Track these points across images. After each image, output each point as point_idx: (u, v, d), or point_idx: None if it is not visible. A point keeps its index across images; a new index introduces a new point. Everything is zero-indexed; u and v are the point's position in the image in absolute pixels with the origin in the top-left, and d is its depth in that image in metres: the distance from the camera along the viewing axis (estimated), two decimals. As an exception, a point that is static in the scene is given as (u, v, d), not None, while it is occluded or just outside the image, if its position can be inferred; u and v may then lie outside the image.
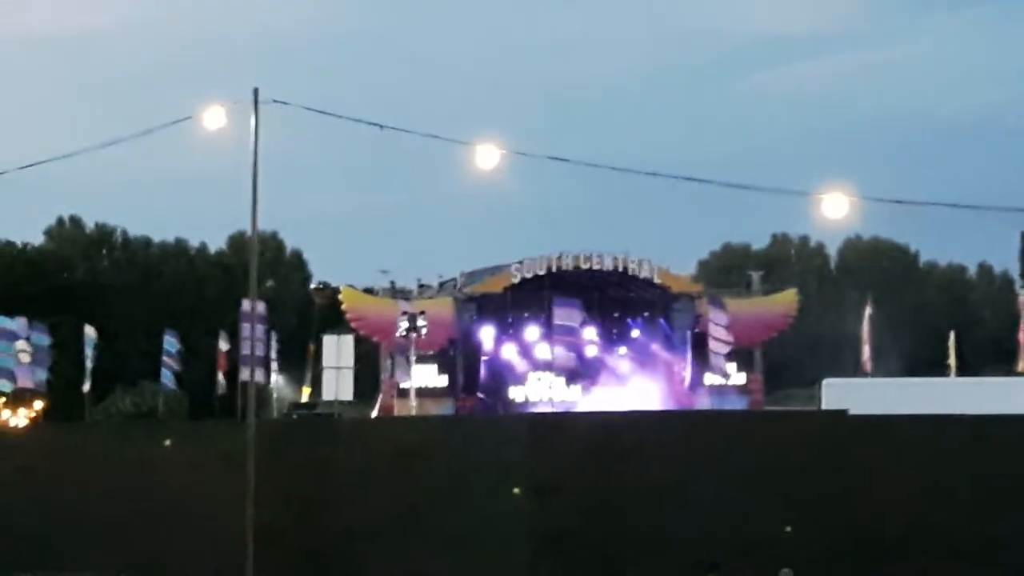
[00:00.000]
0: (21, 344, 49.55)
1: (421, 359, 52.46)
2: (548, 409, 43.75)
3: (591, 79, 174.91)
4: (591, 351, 56.21)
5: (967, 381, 49.73)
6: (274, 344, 55.75)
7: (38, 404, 59.58)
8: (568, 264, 57.59)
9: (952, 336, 55.69)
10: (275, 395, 60.85)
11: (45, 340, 51.54)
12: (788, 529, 27.13)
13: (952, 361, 55.03)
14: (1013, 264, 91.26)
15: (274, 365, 56.01)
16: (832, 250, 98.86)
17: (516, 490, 23.93)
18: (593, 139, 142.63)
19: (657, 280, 57.53)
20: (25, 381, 50.05)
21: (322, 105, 34.34)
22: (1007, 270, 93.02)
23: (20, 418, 54.50)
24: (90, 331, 55.53)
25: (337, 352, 51.07)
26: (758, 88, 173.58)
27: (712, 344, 50.70)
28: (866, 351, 52.72)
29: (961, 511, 29.38)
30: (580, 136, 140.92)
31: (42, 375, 50.68)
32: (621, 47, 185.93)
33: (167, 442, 30.87)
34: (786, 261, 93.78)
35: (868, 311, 53.20)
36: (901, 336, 61.97)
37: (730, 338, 51.10)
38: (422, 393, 52.15)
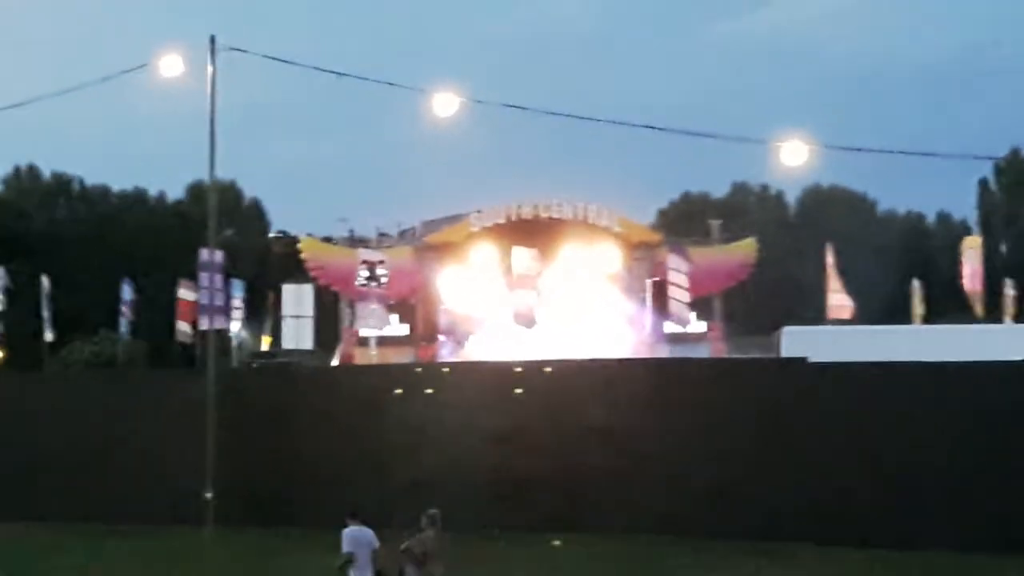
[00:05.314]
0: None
1: (381, 308, 52.43)
2: (508, 357, 43.64)
3: (551, 26, 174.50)
4: (551, 299, 56.20)
5: (926, 328, 49.97)
6: (238, 293, 55.65)
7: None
8: (527, 213, 57.53)
9: (916, 283, 55.87)
10: (235, 343, 60.71)
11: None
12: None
13: (917, 309, 55.18)
14: (971, 212, 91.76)
15: (237, 314, 55.86)
16: (791, 198, 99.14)
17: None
18: (553, 87, 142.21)
19: (617, 228, 57.50)
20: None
21: (280, 53, 34.20)
22: (965, 218, 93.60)
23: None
24: (45, 281, 55.24)
25: (297, 301, 51.01)
26: (720, 36, 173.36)
27: (672, 291, 50.75)
28: (833, 299, 52.63)
29: (918, 456, 29.59)
30: (540, 84, 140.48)
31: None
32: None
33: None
34: (746, 210, 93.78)
35: (829, 259, 53.20)
36: (859, 284, 62.23)
37: (689, 286, 51.20)
38: (383, 342, 52.12)
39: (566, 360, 36.00)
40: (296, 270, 61.09)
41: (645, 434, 31.79)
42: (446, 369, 35.46)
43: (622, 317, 55.39)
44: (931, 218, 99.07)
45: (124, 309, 55.09)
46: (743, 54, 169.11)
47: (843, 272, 52.98)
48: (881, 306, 60.96)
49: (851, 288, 52.93)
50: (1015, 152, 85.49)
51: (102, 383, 39.84)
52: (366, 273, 47.29)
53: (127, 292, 55.13)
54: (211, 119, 34.26)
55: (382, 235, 61.76)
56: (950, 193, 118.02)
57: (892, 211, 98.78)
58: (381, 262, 47.85)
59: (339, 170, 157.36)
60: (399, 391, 34.20)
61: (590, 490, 31.78)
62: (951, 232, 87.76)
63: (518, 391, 33.25)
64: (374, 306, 46.90)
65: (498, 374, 34.44)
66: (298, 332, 50.08)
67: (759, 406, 31.27)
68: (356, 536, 19.06)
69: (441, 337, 55.67)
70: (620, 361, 38.11)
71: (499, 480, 32.08)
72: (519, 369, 34.38)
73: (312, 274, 57.12)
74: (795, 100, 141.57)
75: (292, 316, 50.18)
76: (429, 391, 33.99)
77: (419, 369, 36.17)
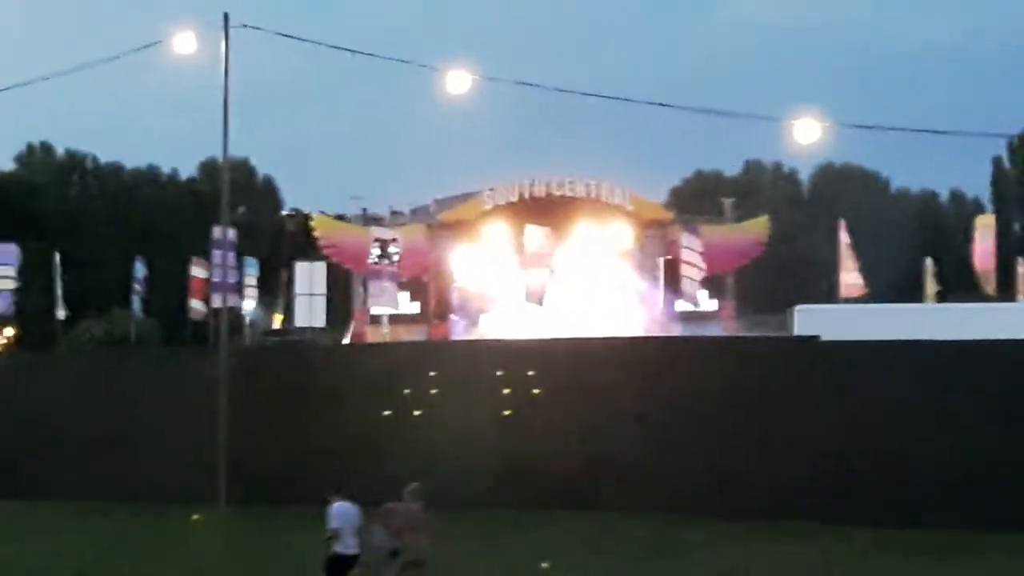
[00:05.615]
0: (5, 271, 48.38)
1: (393, 286, 52.43)
2: (520, 335, 43.65)
3: (565, 4, 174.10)
4: (563, 277, 56.18)
5: (938, 307, 49.83)
6: (251, 270, 55.62)
7: (8, 331, 59.51)
8: (540, 191, 57.47)
9: (929, 262, 55.68)
10: (248, 321, 60.76)
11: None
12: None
13: (929, 288, 54.97)
14: (985, 190, 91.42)
15: (250, 292, 55.87)
16: (804, 176, 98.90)
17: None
18: (566, 65, 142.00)
19: (629, 207, 57.41)
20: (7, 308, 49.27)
21: (294, 29, 34.20)
22: (978, 196, 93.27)
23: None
24: (57, 259, 55.27)
25: (309, 279, 50.96)
26: (733, 13, 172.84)
27: (684, 270, 50.81)
28: (847, 277, 52.34)
29: (930, 434, 29.55)
30: (553, 62, 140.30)
31: (10, 300, 49.74)
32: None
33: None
34: (759, 188, 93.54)
35: (843, 237, 52.91)
36: (872, 262, 62.13)
37: (703, 265, 51.30)
38: (395, 320, 52.18)
39: (578, 339, 35.97)
40: (309, 248, 61.15)
41: (655, 413, 31.75)
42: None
43: (634, 295, 55.32)
44: (944, 196, 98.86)
45: (137, 287, 55.14)
46: (756, 32, 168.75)
47: (856, 250, 52.78)
48: (893, 284, 60.82)
49: (863, 266, 52.75)
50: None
51: (114, 361, 39.85)
52: (378, 251, 47.37)
53: (140, 270, 55.17)
54: (225, 97, 34.29)
55: (395, 213, 61.72)
56: (963, 171, 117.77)
57: (905, 189, 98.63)
58: (394, 240, 47.92)
59: (352, 148, 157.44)
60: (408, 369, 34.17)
61: (600, 469, 31.76)
62: (964, 210, 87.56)
63: (530, 371, 33.20)
64: (386, 284, 46.97)
65: (509, 351, 34.40)
66: (310, 310, 49.99)
67: (771, 384, 31.22)
68: (342, 512, 19.56)
69: (453, 315, 55.65)
70: (630, 339, 38.08)
71: (509, 459, 32.07)
72: (530, 346, 34.36)
73: (325, 252, 57.10)
74: (808, 78, 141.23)
75: (304, 294, 50.09)
76: (438, 371, 33.95)
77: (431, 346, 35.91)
